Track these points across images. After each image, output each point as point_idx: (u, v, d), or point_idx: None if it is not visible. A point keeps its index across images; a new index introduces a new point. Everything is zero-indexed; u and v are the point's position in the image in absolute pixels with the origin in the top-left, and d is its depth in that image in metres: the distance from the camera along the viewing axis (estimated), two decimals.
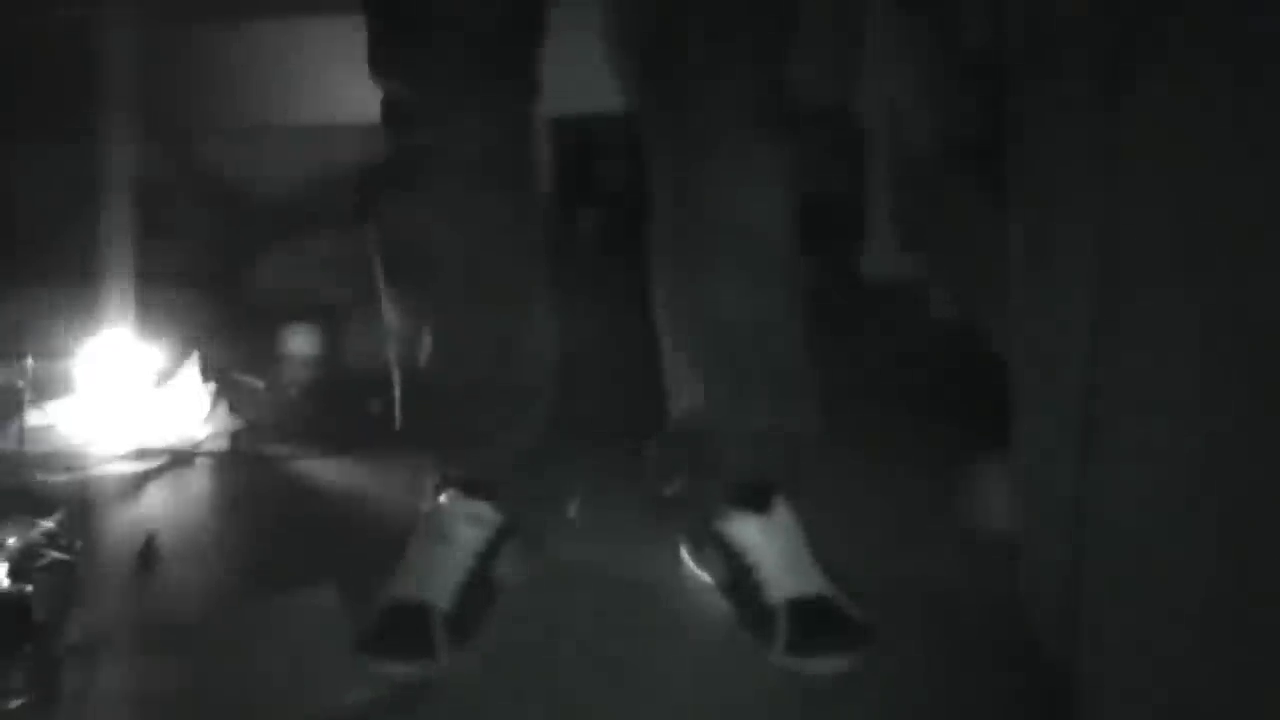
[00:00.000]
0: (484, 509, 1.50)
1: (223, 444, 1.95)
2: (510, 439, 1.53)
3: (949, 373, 2.15)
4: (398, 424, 1.55)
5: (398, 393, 1.54)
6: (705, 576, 1.55)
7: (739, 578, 1.48)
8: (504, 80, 1.38)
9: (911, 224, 2.47)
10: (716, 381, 1.51)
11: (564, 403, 1.58)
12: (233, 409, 2.02)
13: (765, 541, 1.48)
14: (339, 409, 2.05)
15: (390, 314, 1.49)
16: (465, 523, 1.49)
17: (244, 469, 1.90)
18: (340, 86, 2.32)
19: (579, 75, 2.38)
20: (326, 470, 1.89)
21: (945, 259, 2.31)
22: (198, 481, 1.86)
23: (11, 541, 1.59)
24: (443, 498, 1.52)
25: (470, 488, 1.51)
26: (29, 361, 1.97)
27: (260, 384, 2.12)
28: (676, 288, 1.50)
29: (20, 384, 1.94)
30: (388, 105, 1.40)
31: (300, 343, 2.31)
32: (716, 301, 1.47)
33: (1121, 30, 1.18)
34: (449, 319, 1.46)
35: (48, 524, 1.64)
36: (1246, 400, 1.10)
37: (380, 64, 1.39)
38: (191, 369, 2.03)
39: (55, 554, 1.58)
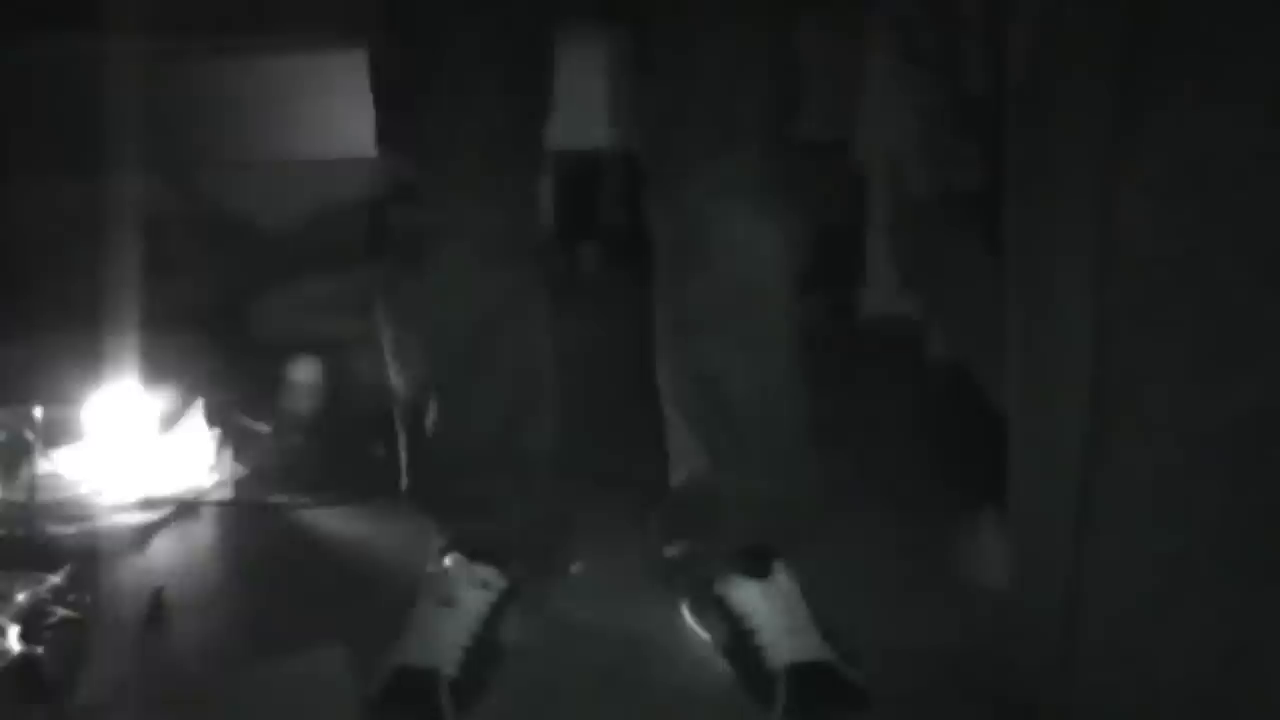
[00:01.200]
0: (488, 573, 1.52)
1: (227, 493, 1.96)
2: (515, 505, 1.55)
3: (946, 419, 2.17)
4: (403, 487, 1.58)
5: (404, 458, 1.56)
6: (707, 638, 1.57)
7: (740, 641, 1.50)
8: (511, 161, 1.40)
9: (910, 266, 2.49)
10: (717, 446, 1.53)
11: (566, 461, 1.61)
12: (237, 455, 2.04)
13: (766, 605, 1.50)
14: (343, 453, 2.07)
15: (397, 384, 1.51)
16: (470, 586, 1.51)
17: (249, 519, 1.91)
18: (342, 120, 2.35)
19: (581, 110, 2.41)
20: (332, 519, 1.91)
21: (943, 304, 2.33)
22: (203, 533, 1.87)
23: (21, 598, 1.61)
24: (447, 561, 1.54)
25: (475, 552, 1.53)
26: (37, 410, 1.99)
27: (265, 428, 2.14)
28: (679, 352, 1.52)
29: (29, 434, 1.95)
30: (395, 183, 1.41)
31: (304, 376, 2.33)
32: (718, 367, 1.49)
33: (1121, 79, 1.20)
34: (456, 391, 1.49)
35: (55, 579, 1.66)
36: (1247, 460, 1.12)
37: (388, 144, 1.41)
38: (196, 414, 2.05)
39: (64, 611, 1.60)
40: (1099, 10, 1.28)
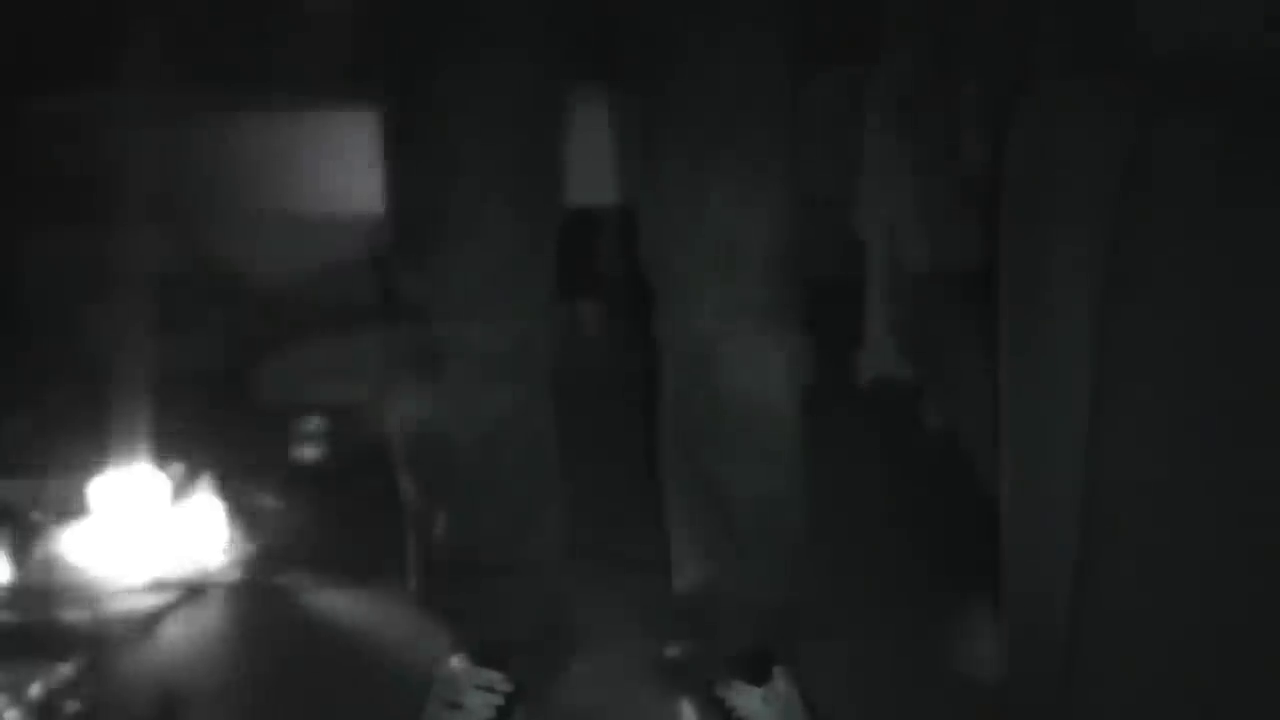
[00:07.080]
0: (495, 676, 1.55)
1: (237, 574, 1.97)
2: (523, 612, 1.58)
3: (942, 497, 2.18)
4: (413, 591, 1.60)
5: (413, 562, 1.58)
6: None
7: None
8: (519, 285, 1.42)
9: (907, 338, 2.50)
10: (720, 552, 1.55)
11: (570, 550, 1.63)
12: (246, 532, 2.05)
13: (765, 710, 1.53)
14: (350, 529, 2.09)
15: (408, 492, 1.54)
16: (477, 690, 1.54)
17: (258, 602, 1.92)
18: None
19: (580, 166, 2.42)
20: (340, 600, 1.92)
21: (939, 377, 2.34)
22: (212, 616, 1.88)
23: (34, 692, 1.64)
24: (455, 663, 1.57)
25: (481, 655, 1.56)
26: (46, 486, 2.01)
27: (273, 502, 2.15)
28: (682, 461, 1.54)
29: (36, 514, 1.97)
30: (408, 301, 1.43)
31: (311, 437, 2.35)
32: (722, 478, 1.51)
33: (1119, 156, 1.21)
34: (465, 503, 1.51)
35: (67, 669, 1.68)
36: (1246, 543, 1.13)
37: (403, 263, 1.43)
38: (205, 490, 2.06)
39: (77, 706, 1.63)
40: (1098, 96, 1.30)
